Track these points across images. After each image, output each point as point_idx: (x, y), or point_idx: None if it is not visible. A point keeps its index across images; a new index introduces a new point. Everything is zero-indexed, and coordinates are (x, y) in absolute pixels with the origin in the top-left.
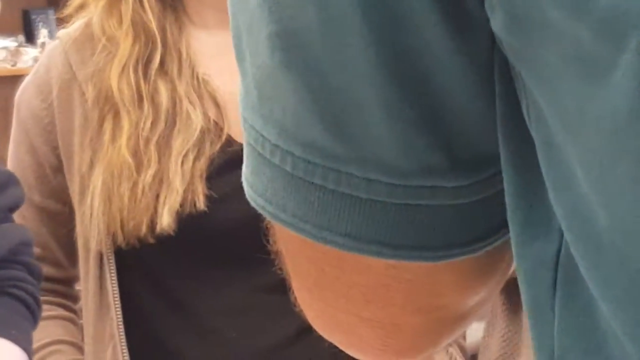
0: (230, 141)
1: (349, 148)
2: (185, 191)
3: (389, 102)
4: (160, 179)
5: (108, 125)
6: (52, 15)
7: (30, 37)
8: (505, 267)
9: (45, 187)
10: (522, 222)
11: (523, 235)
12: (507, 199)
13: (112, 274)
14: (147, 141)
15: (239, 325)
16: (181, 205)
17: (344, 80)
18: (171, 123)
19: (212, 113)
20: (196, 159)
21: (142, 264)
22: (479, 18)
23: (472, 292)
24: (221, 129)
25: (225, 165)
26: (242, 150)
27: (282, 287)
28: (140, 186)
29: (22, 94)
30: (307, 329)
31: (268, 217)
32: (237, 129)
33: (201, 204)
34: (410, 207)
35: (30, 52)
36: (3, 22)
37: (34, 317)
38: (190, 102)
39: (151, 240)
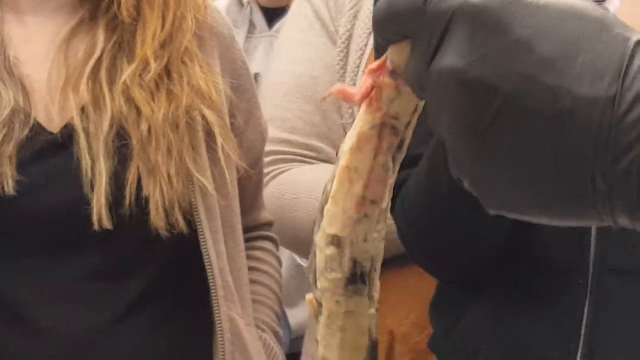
0: (38, 128)
1: None
2: None
3: None
4: None
5: None
6: None
7: None
8: None
9: None
10: None
11: None
12: None
13: None
14: None
15: (55, 313)
16: None
17: None
18: None
19: (19, 98)
20: (5, 141)
21: None
22: None
23: None
24: (29, 115)
25: (37, 153)
26: (53, 139)
27: (98, 275)
28: None
29: None
30: (123, 318)
31: None
32: (44, 116)
33: (10, 189)
34: None
35: None
36: None
37: None
38: (2, 80)
39: None
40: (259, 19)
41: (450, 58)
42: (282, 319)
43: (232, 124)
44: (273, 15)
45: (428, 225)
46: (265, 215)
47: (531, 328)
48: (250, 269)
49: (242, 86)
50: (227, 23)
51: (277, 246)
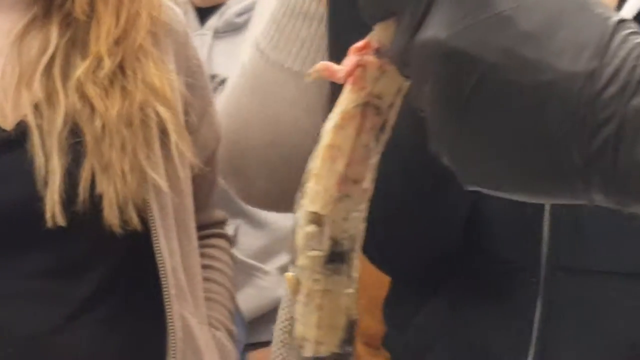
0: None
1: None
2: None
3: None
4: None
5: None
6: None
7: None
8: None
9: None
10: None
11: None
12: None
13: None
14: None
15: (9, 311)
16: None
17: None
18: None
19: None
20: None
21: None
22: None
23: None
24: None
25: None
26: (5, 136)
27: (51, 273)
28: None
29: None
30: (76, 315)
31: None
32: (1, 114)
33: None
34: None
35: None
36: None
37: None
38: None
39: None
40: (192, 19)
41: (434, 29)
42: (237, 315)
43: (185, 122)
44: (205, 13)
45: (380, 223)
46: (219, 213)
47: (484, 326)
48: (204, 266)
49: (196, 83)
50: (181, 20)
51: (230, 244)
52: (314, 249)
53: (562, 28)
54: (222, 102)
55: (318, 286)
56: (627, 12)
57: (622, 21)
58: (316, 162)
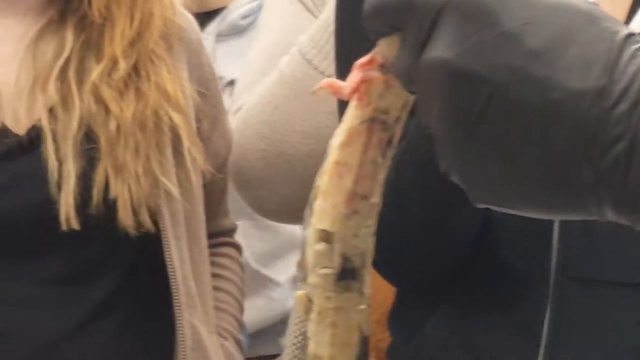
0: (4, 130)
1: None
2: None
3: None
4: None
5: None
6: None
7: None
8: None
9: None
10: None
11: None
12: None
13: None
14: None
15: (18, 319)
16: None
17: None
18: None
19: None
20: None
21: None
22: None
23: None
24: None
25: (2, 156)
26: (18, 141)
27: (60, 280)
28: None
29: None
30: (86, 323)
31: None
32: (11, 118)
33: None
34: None
35: None
36: None
37: None
38: None
39: None
40: None
41: (439, 49)
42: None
43: (197, 129)
44: (204, 18)
45: (390, 233)
46: (229, 221)
47: (492, 336)
48: (213, 275)
49: (209, 91)
50: (195, 28)
51: (240, 252)
52: (324, 267)
53: (570, 44)
54: (251, 110)
55: (330, 304)
56: (637, 24)
57: (630, 35)
58: (323, 179)
